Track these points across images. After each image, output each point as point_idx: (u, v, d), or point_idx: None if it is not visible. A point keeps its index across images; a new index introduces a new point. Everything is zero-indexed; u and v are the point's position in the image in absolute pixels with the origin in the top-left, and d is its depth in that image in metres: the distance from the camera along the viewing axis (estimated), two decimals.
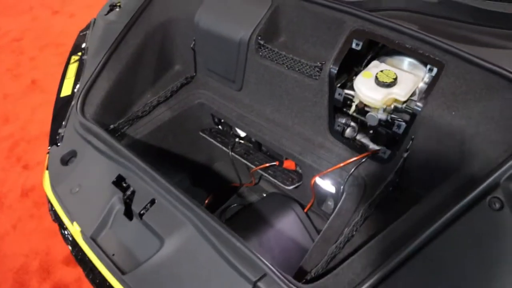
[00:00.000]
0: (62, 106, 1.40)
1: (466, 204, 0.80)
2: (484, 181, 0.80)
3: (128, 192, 1.08)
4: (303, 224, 1.29)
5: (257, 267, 0.85)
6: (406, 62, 1.13)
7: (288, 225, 1.27)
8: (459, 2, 1.09)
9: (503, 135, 0.89)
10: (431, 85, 1.00)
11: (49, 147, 1.30)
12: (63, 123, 1.34)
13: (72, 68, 1.51)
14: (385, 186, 1.04)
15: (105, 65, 1.38)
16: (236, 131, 1.50)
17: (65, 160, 1.25)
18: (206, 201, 1.59)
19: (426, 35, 1.01)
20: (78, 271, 1.86)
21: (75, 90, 1.42)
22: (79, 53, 1.56)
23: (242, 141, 1.47)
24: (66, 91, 1.44)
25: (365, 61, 1.18)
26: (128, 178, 1.10)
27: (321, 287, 0.83)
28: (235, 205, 1.54)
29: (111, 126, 1.35)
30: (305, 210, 1.34)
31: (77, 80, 1.46)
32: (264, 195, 1.52)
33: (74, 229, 1.06)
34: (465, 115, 0.94)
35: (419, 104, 0.99)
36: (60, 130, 1.32)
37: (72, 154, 1.25)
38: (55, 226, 1.93)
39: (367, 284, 0.78)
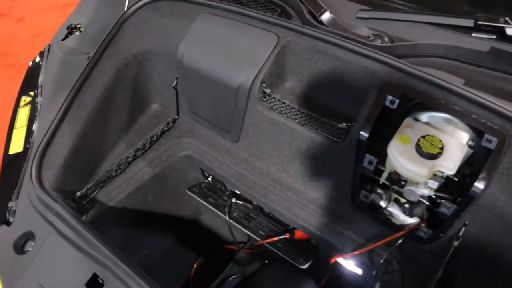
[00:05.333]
0: (11, 168, 1.11)
1: None
2: None
3: None
4: None
5: None
6: (446, 120, 0.92)
7: None
8: None
9: None
10: (492, 161, 0.80)
11: None
12: (14, 192, 1.05)
13: (23, 114, 1.21)
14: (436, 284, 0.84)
15: (65, 114, 1.09)
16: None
17: (20, 246, 0.97)
18: (195, 265, 1.35)
19: (484, 98, 0.81)
20: None
21: (28, 145, 1.13)
22: (31, 93, 1.26)
23: (239, 202, 1.23)
24: (15, 146, 1.14)
25: (393, 116, 0.97)
26: (107, 279, 0.84)
27: None
28: (234, 276, 1.31)
29: (78, 194, 1.07)
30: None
31: (29, 131, 1.16)
32: (266, 261, 1.29)
33: None
34: None
35: (478, 186, 0.79)
36: (10, 204, 1.03)
37: (29, 236, 0.98)
38: None
39: None
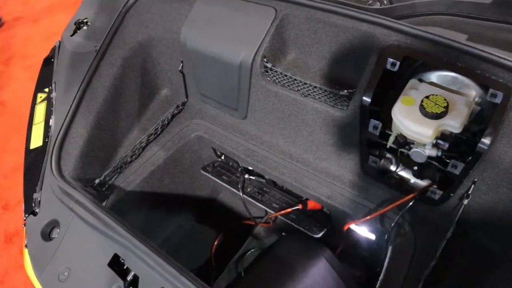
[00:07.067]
0: (33, 162, 1.16)
1: None
2: None
3: (129, 278, 0.87)
4: (336, 273, 1.10)
5: None
6: (452, 78, 0.91)
7: (320, 276, 1.08)
8: None
9: None
10: (498, 116, 0.78)
11: (25, 217, 1.08)
12: (38, 184, 1.10)
13: (40, 110, 1.26)
14: (446, 243, 0.84)
15: (78, 107, 1.14)
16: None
17: (47, 233, 1.03)
18: (216, 242, 1.39)
19: (487, 52, 0.79)
20: None
21: (46, 139, 1.18)
22: (46, 89, 1.31)
23: (252, 177, 1.25)
24: (35, 141, 1.19)
25: (399, 79, 0.96)
26: (127, 258, 0.89)
27: None
28: (252, 250, 1.34)
29: (96, 181, 1.12)
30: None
31: (47, 126, 1.21)
32: (283, 233, 1.32)
33: None
34: None
35: (485, 141, 0.78)
36: (35, 195, 1.09)
37: (54, 224, 1.03)
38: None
39: None
